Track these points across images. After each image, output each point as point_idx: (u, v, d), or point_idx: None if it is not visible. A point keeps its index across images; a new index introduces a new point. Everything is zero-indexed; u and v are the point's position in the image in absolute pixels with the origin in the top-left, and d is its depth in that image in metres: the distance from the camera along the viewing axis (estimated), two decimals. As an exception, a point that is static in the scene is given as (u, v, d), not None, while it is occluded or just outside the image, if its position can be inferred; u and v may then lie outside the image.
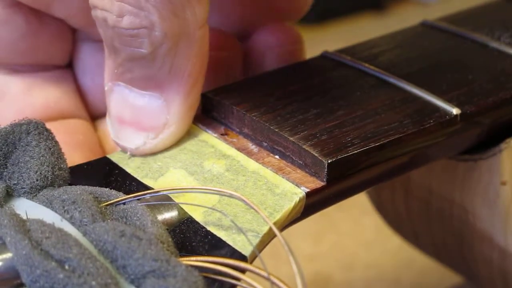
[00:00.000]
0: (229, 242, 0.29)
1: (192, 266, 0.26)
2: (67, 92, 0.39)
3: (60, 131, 0.33)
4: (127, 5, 0.31)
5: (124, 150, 0.34)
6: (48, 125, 0.32)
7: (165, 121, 0.33)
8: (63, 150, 0.31)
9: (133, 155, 0.34)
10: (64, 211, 0.28)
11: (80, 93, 0.40)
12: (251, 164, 0.32)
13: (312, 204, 0.32)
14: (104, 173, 0.32)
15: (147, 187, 0.32)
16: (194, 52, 0.33)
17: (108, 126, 0.35)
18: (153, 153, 0.34)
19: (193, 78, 0.33)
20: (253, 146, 0.34)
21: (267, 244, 0.30)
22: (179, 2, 0.31)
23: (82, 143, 0.37)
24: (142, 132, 0.33)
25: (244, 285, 0.27)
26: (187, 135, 0.34)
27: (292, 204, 0.31)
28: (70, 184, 0.31)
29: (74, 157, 0.35)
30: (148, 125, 0.33)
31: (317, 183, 0.31)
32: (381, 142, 0.33)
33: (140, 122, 0.34)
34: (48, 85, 0.38)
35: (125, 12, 0.31)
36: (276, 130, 0.33)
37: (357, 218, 0.76)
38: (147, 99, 0.33)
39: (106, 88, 0.34)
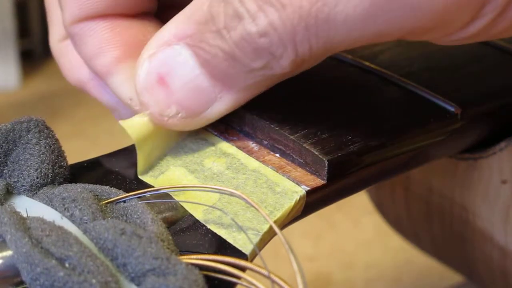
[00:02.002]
0: (230, 240, 0.29)
1: (192, 264, 0.26)
2: None
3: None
4: (277, 28, 0.28)
5: (138, 107, 0.32)
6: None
7: (203, 112, 0.31)
8: None
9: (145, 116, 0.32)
10: (64, 209, 0.28)
11: None
12: (252, 163, 0.32)
13: (313, 202, 0.32)
14: (104, 171, 0.32)
15: (147, 185, 0.31)
16: (280, 79, 0.31)
17: (138, 70, 0.31)
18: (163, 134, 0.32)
19: (258, 93, 0.31)
20: (254, 145, 0.34)
21: (267, 243, 0.30)
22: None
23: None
24: (176, 106, 0.31)
25: (244, 283, 0.27)
26: (187, 133, 0.34)
27: (292, 203, 0.31)
28: (70, 182, 0.31)
29: None
30: (186, 105, 0.31)
31: (318, 182, 0.31)
32: (382, 141, 0.33)
33: (182, 97, 0.31)
34: None
35: (269, 28, 0.28)
36: (277, 128, 0.33)
37: (357, 218, 0.76)
38: (205, 85, 0.31)
39: (165, 39, 0.31)
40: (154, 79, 0.31)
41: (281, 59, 0.29)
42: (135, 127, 0.32)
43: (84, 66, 0.36)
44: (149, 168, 0.33)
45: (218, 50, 0.29)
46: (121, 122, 0.32)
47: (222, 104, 0.31)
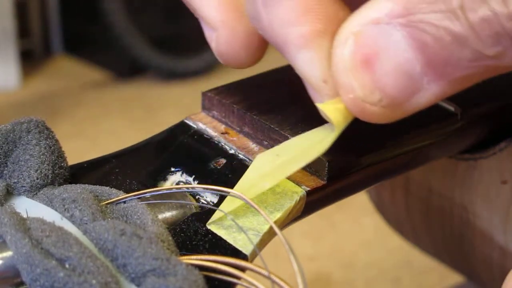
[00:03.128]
0: (230, 241, 0.29)
1: (192, 264, 0.26)
2: None
3: None
4: None
5: (331, 91, 0.28)
6: None
7: (405, 102, 0.28)
8: None
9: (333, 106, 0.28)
10: (64, 210, 0.28)
11: None
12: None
13: (313, 202, 0.32)
14: (104, 171, 0.32)
15: (147, 186, 0.31)
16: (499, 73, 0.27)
17: (340, 48, 0.27)
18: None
19: (468, 86, 0.28)
20: (254, 145, 0.34)
21: (267, 243, 0.30)
22: None
23: None
24: (380, 92, 0.27)
25: (244, 283, 0.27)
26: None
27: (292, 203, 0.31)
28: (70, 183, 0.31)
29: None
30: (390, 92, 0.27)
31: (318, 182, 0.31)
32: (382, 141, 0.33)
33: (387, 83, 0.27)
34: None
35: None
36: (277, 129, 0.33)
37: (357, 218, 0.76)
38: (415, 72, 0.27)
39: (373, 16, 0.27)
40: (359, 59, 0.27)
41: None
42: (336, 114, 0.28)
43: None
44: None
45: (444, 32, 0.26)
46: (321, 106, 0.28)
47: (427, 95, 0.27)
